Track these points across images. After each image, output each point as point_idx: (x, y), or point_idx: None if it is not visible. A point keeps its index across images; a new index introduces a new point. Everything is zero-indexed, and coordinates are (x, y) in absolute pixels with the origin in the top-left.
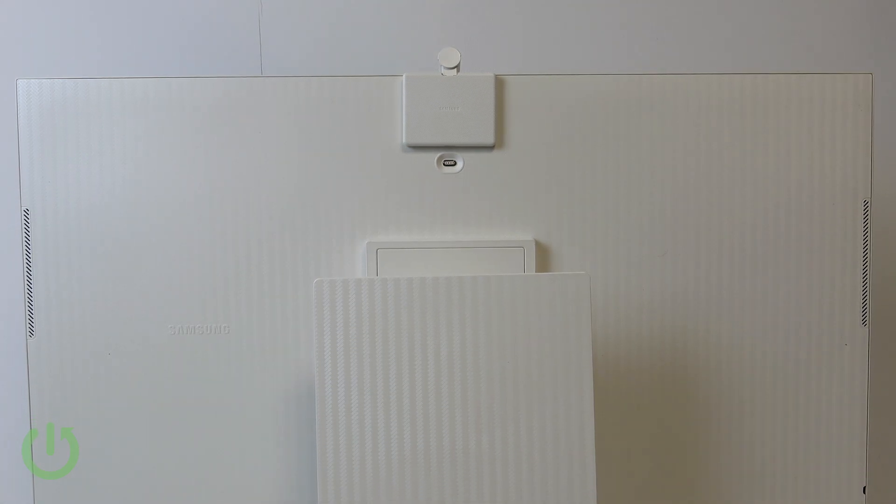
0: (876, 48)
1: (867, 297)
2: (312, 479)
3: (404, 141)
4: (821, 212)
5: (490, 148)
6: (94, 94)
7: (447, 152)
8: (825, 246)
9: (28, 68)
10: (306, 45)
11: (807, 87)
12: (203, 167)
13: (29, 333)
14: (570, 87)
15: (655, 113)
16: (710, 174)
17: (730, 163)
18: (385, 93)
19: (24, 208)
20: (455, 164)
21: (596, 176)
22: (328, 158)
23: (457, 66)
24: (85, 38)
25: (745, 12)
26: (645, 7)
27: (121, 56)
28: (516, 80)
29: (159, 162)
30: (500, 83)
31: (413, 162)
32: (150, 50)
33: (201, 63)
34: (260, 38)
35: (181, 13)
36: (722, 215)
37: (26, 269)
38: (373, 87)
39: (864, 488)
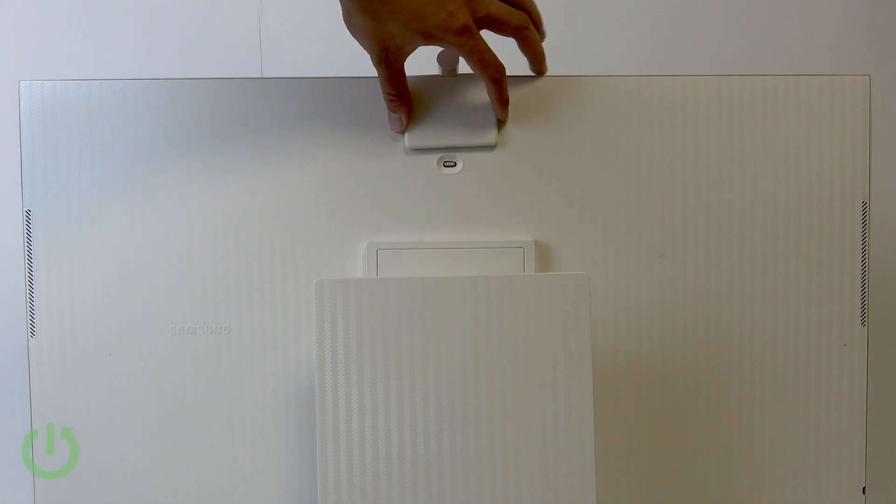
0: (875, 49)
1: (866, 298)
2: (312, 480)
3: (405, 142)
4: (819, 213)
5: (490, 148)
6: (95, 94)
7: (447, 153)
8: (824, 246)
9: (30, 69)
10: (306, 46)
11: (805, 88)
12: (203, 168)
13: (30, 333)
14: (570, 87)
15: (655, 113)
16: (710, 175)
17: (729, 164)
18: None
19: (25, 209)
20: (455, 164)
21: (596, 176)
22: (328, 159)
23: (457, 67)
24: (86, 40)
25: (745, 13)
26: (645, 7)
27: (121, 57)
28: (517, 80)
29: (160, 163)
30: None
31: (413, 162)
32: (151, 51)
33: (201, 64)
34: (260, 38)
35: (181, 14)
36: (721, 216)
37: (27, 270)
38: (373, 88)
39: (864, 488)
